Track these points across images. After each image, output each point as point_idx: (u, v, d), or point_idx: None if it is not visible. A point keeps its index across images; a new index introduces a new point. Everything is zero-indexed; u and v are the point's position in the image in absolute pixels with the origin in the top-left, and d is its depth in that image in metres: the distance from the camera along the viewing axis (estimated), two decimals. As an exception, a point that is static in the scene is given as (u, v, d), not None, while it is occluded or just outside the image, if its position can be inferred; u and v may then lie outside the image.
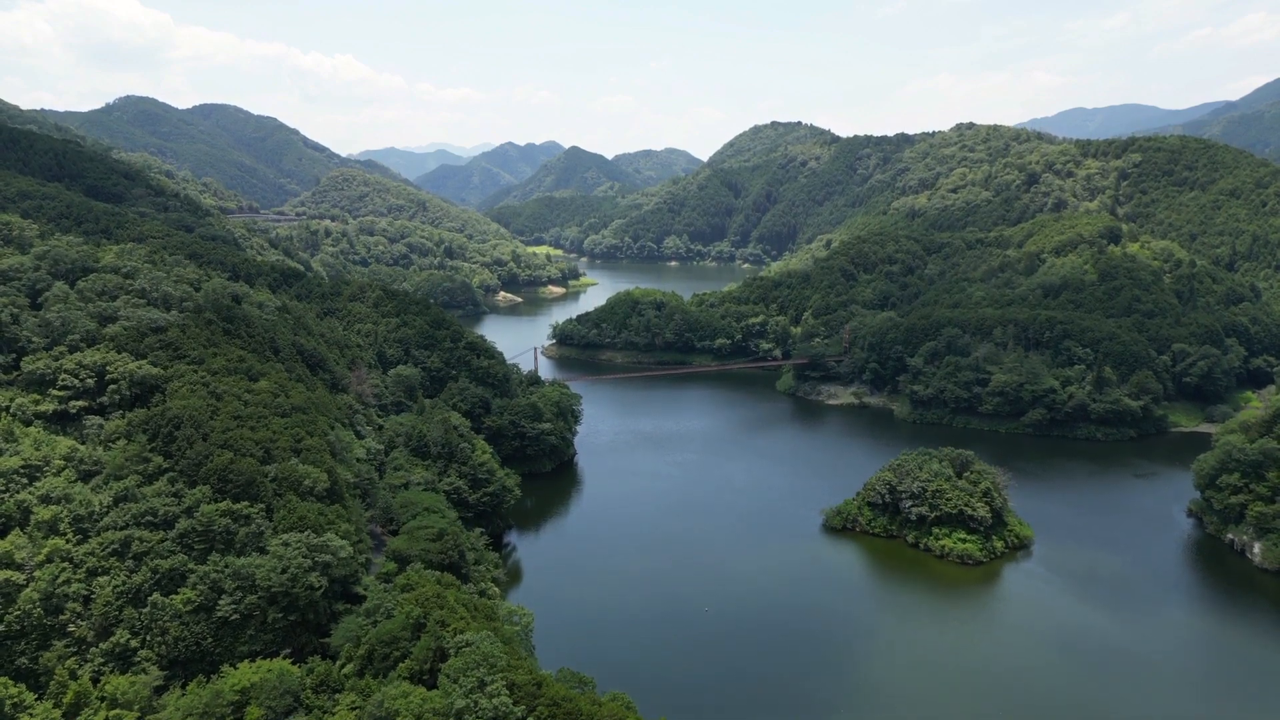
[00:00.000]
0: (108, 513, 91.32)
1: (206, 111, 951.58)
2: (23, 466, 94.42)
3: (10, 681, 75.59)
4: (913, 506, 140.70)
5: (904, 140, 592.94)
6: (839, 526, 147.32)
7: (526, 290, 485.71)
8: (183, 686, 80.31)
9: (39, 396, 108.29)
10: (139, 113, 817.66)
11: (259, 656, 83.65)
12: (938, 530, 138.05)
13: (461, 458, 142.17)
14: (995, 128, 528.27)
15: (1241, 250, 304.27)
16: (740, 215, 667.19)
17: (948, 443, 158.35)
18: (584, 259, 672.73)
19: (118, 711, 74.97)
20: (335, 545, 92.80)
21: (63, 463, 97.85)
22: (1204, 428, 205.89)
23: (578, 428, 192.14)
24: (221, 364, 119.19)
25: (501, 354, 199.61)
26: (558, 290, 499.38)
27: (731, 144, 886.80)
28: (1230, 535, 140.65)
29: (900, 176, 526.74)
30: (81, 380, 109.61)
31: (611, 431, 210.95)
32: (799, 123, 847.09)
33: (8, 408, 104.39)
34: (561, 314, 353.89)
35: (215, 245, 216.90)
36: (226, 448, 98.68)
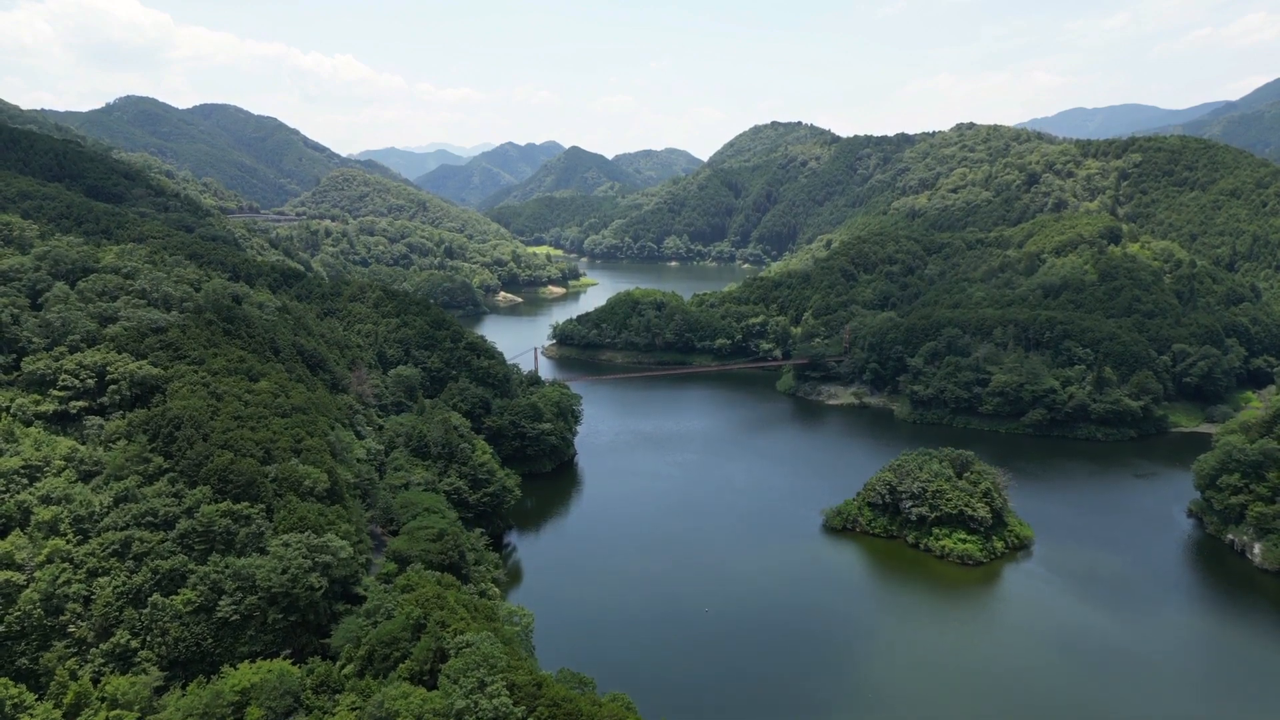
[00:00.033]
0: (108, 513, 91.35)
1: (207, 111, 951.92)
2: (23, 467, 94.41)
3: (10, 682, 75.58)
4: (913, 507, 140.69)
5: (904, 140, 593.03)
6: (839, 527, 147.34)
7: (527, 290, 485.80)
8: (183, 687, 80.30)
9: (39, 397, 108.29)
10: (139, 113, 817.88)
11: (259, 657, 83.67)
12: (938, 530, 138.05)
13: (462, 458, 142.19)
14: (995, 128, 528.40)
15: (1242, 250, 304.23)
16: (740, 215, 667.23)
17: (948, 443, 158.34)
18: (584, 259, 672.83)
19: (118, 712, 74.96)
20: (335, 546, 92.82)
21: (63, 463, 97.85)
22: (1204, 428, 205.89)
23: (578, 428, 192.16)
24: (222, 364, 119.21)
25: (502, 354, 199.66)
26: (558, 290, 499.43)
27: (732, 144, 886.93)
28: (1230, 535, 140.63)
29: (900, 176, 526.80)
30: (82, 381, 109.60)
31: (612, 432, 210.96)
32: (799, 123, 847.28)
33: (8, 408, 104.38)
34: (562, 314, 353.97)
35: (215, 245, 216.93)
36: (227, 448, 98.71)
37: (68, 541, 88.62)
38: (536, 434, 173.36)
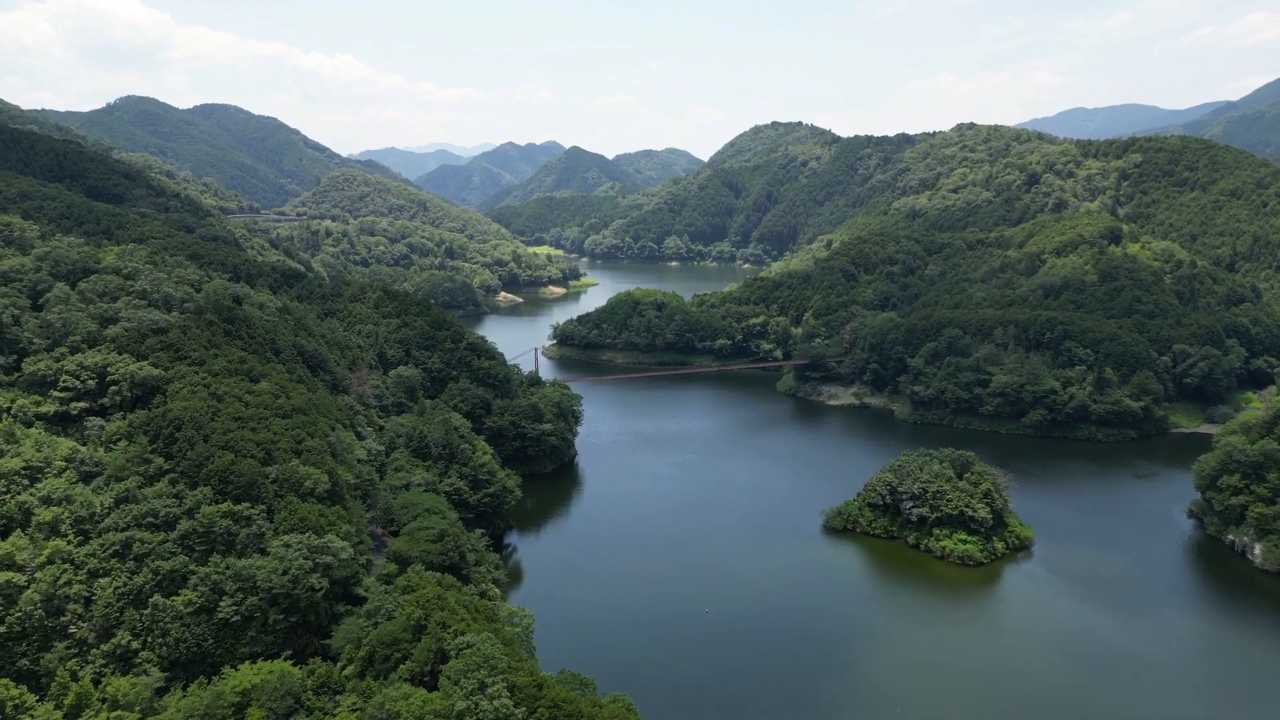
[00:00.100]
0: (109, 514, 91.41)
1: (207, 111, 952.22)
2: (24, 468, 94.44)
3: (11, 683, 75.62)
4: (913, 507, 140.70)
5: (904, 140, 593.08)
6: (840, 527, 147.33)
7: (527, 290, 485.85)
8: (184, 688, 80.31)
9: (40, 398, 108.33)
10: (140, 113, 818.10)
11: (260, 658, 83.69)
12: (938, 531, 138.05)
13: (462, 459, 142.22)
14: (996, 128, 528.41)
15: (1242, 251, 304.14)
16: (741, 215, 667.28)
17: (948, 443, 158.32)
18: (584, 259, 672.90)
19: (119, 713, 75.00)
20: (336, 546, 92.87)
21: (64, 464, 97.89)
22: (1205, 428, 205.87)
23: (578, 428, 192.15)
24: (222, 365, 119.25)
25: (502, 355, 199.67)
26: (558, 290, 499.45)
27: (732, 144, 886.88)
28: (1231, 536, 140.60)
29: (901, 177, 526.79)
30: (82, 381, 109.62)
31: (612, 432, 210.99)
32: (799, 123, 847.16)
33: (9, 409, 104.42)
34: (562, 314, 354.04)
35: (216, 246, 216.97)
36: (227, 449, 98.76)
37: (69, 542, 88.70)
38: (537, 434, 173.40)
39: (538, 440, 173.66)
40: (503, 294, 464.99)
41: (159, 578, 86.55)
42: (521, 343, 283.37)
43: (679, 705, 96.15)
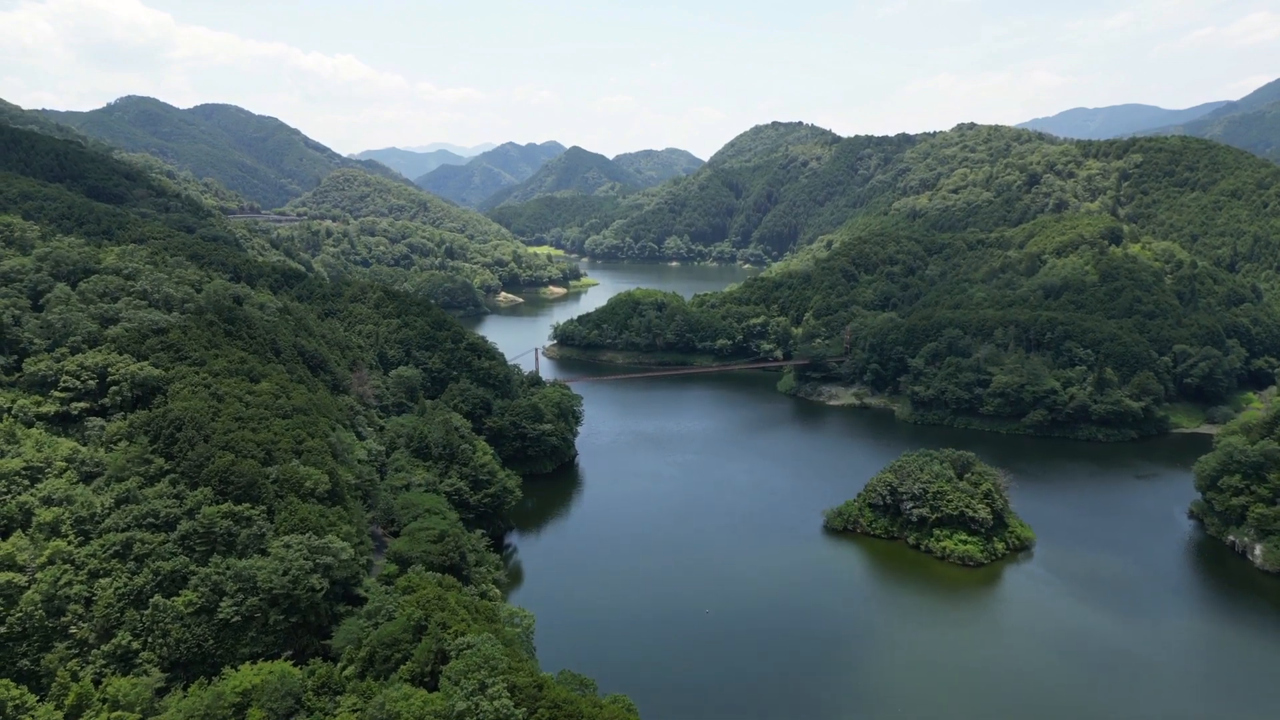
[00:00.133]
0: (109, 514, 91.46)
1: (208, 112, 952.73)
2: (25, 468, 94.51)
3: (12, 683, 75.66)
4: (914, 508, 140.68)
5: (905, 140, 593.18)
6: (840, 528, 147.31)
7: (527, 291, 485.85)
8: (184, 688, 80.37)
9: (41, 398, 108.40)
10: (140, 113, 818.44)
11: (260, 658, 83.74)
12: (939, 532, 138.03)
13: (462, 459, 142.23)
14: (996, 128, 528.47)
15: (1243, 251, 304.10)
16: (741, 215, 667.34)
17: (949, 444, 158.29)
18: (585, 259, 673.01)
19: (119, 713, 75.02)
20: (336, 547, 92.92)
21: (64, 464, 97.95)
22: (1205, 429, 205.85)
23: (579, 429, 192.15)
24: (223, 365, 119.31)
25: (502, 355, 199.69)
26: (559, 291, 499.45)
27: (732, 144, 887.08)
28: (1231, 537, 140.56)
29: (901, 177, 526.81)
30: (83, 382, 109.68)
31: (612, 432, 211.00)
32: (800, 123, 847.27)
33: (9, 409, 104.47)
34: (562, 314, 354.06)
35: (216, 246, 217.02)
36: (228, 449, 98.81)
37: (69, 543, 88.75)
38: (537, 435, 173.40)
39: (538, 440, 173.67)
40: (503, 294, 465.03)
41: (159, 578, 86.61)
42: (522, 343, 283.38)
43: (679, 705, 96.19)
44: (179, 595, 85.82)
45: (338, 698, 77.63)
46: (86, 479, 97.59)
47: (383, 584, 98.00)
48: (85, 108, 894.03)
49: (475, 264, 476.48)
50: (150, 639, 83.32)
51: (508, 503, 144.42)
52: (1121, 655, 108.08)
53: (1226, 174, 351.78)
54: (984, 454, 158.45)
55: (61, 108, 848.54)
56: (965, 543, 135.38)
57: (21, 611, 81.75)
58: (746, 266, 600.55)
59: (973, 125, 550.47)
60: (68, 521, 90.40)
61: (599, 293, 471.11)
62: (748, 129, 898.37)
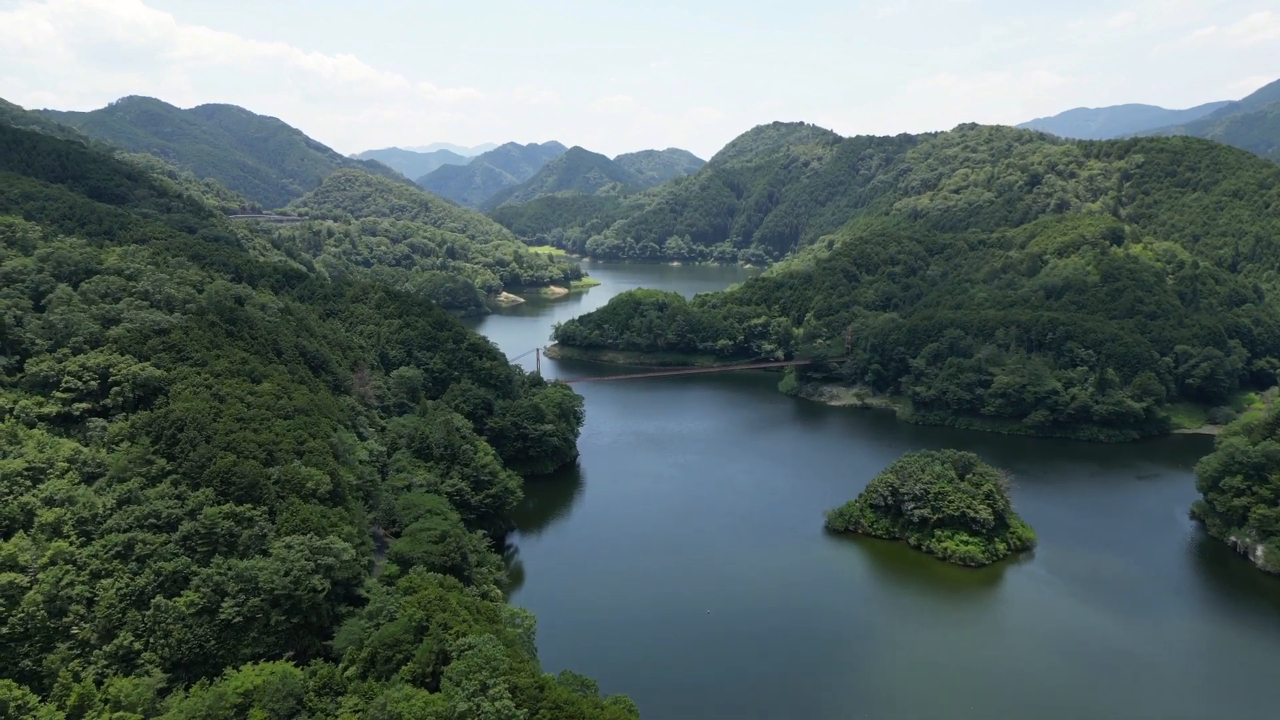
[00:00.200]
0: (111, 515, 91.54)
1: (209, 112, 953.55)
2: (26, 469, 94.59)
3: (14, 684, 75.76)
4: (915, 508, 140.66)
5: (906, 140, 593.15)
6: (841, 528, 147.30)
7: (529, 291, 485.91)
8: (186, 689, 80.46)
9: (43, 399, 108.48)
10: (142, 113, 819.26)
11: (262, 659, 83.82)
12: (940, 532, 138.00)
13: (464, 459, 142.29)
14: (998, 128, 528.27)
15: (1244, 251, 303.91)
16: (742, 215, 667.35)
17: (950, 444, 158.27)
18: (586, 259, 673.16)
19: (121, 714, 75.11)
20: (338, 548, 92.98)
21: (66, 465, 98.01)
22: (1207, 429, 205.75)
23: (580, 429, 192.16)
24: (224, 366, 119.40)
25: (504, 355, 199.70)
26: (560, 291, 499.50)
27: (734, 144, 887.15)
28: (1233, 538, 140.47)
29: (903, 177, 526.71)
30: (85, 382, 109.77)
31: (613, 433, 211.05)
32: (801, 123, 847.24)
33: (11, 410, 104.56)
34: (564, 315, 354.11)
35: (218, 246, 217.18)
36: (229, 450, 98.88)
37: (71, 543, 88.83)
38: (538, 435, 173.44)
39: (539, 441, 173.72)
40: (504, 294, 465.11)
41: (161, 579, 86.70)
42: (523, 343, 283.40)
43: (680, 705, 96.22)
44: (181, 596, 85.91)
45: (339, 698, 77.70)
46: (88, 479, 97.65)
47: (384, 585, 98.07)
48: (86, 108, 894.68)
49: (476, 264, 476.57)
50: (152, 639, 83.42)
51: (509, 503, 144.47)
52: (1123, 656, 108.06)
53: (1228, 174, 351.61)
54: (985, 454, 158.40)
55: (63, 108, 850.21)
56: (967, 543, 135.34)
57: (23, 612, 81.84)
58: (748, 266, 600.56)
59: (974, 125, 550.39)
60: (69, 522, 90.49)
61: (600, 293, 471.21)
62: (749, 129, 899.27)
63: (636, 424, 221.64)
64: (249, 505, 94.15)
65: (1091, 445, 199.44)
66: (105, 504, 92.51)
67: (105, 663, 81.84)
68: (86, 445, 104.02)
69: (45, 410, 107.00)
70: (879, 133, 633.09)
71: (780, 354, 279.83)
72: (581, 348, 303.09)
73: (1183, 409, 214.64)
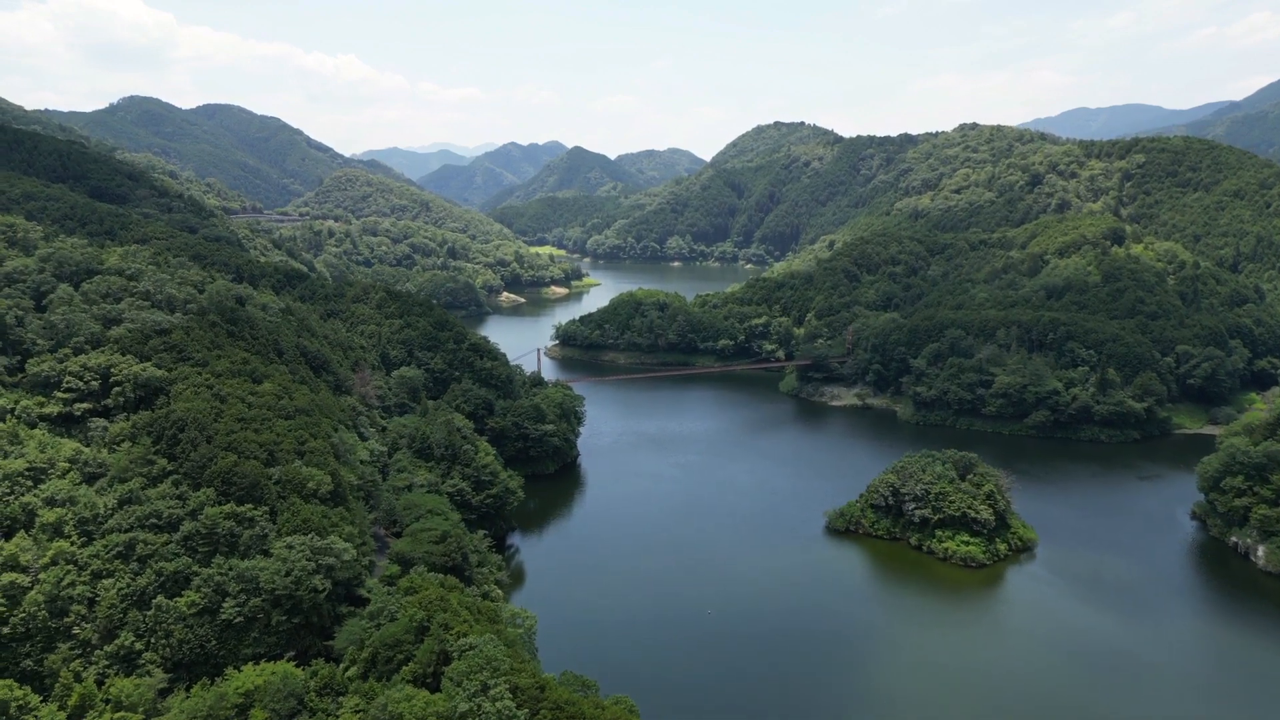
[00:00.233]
0: (112, 515, 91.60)
1: (210, 112, 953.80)
2: (28, 469, 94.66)
3: (15, 684, 75.78)
4: (916, 509, 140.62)
5: (907, 140, 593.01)
6: (842, 528, 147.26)
7: (529, 291, 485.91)
8: (187, 689, 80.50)
9: (44, 399, 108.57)
10: (143, 113, 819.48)
11: (263, 659, 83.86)
12: (941, 533, 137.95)
13: (465, 459, 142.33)
14: (999, 128, 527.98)
15: (1246, 251, 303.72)
16: (743, 215, 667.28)
17: (951, 444, 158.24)
18: (587, 259, 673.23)
19: (122, 714, 75.15)
20: (339, 548, 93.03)
21: (67, 465, 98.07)
22: (1208, 430, 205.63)
23: (581, 429, 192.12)
24: (225, 366, 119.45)
25: (504, 355, 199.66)
26: (561, 291, 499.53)
27: (734, 144, 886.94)
28: (1234, 538, 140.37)
29: (904, 177, 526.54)
30: (86, 383, 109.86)
31: (614, 433, 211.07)
32: (802, 123, 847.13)
33: (13, 410, 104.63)
34: (564, 315, 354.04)
35: (219, 246, 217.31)
36: (230, 450, 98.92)
37: (72, 543, 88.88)
38: (539, 435, 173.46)
39: (540, 441, 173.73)
40: (505, 294, 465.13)
41: (162, 579, 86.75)
42: (524, 343, 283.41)
43: (681, 706, 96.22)
44: (182, 596, 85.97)
45: (340, 699, 77.72)
46: (89, 480, 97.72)
47: (385, 585, 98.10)
48: (88, 108, 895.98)
49: (477, 264, 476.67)
50: (153, 640, 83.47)
51: (510, 503, 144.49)
52: (1124, 656, 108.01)
53: (1229, 174, 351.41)
54: (986, 455, 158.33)
55: (64, 108, 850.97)
56: (967, 544, 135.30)
57: (25, 612, 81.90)
58: (749, 266, 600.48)
59: (975, 125, 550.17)
60: (71, 522, 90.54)
61: (601, 293, 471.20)
62: (750, 129, 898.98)
63: (637, 424, 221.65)
64: (250, 505, 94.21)
65: (1092, 445, 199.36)
66: (106, 504, 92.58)
67: (106, 663, 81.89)
68: (88, 445, 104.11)
69: (46, 410, 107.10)
70: (880, 133, 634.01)
71: (781, 354, 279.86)
72: (582, 348, 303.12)
73: (1184, 409, 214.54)
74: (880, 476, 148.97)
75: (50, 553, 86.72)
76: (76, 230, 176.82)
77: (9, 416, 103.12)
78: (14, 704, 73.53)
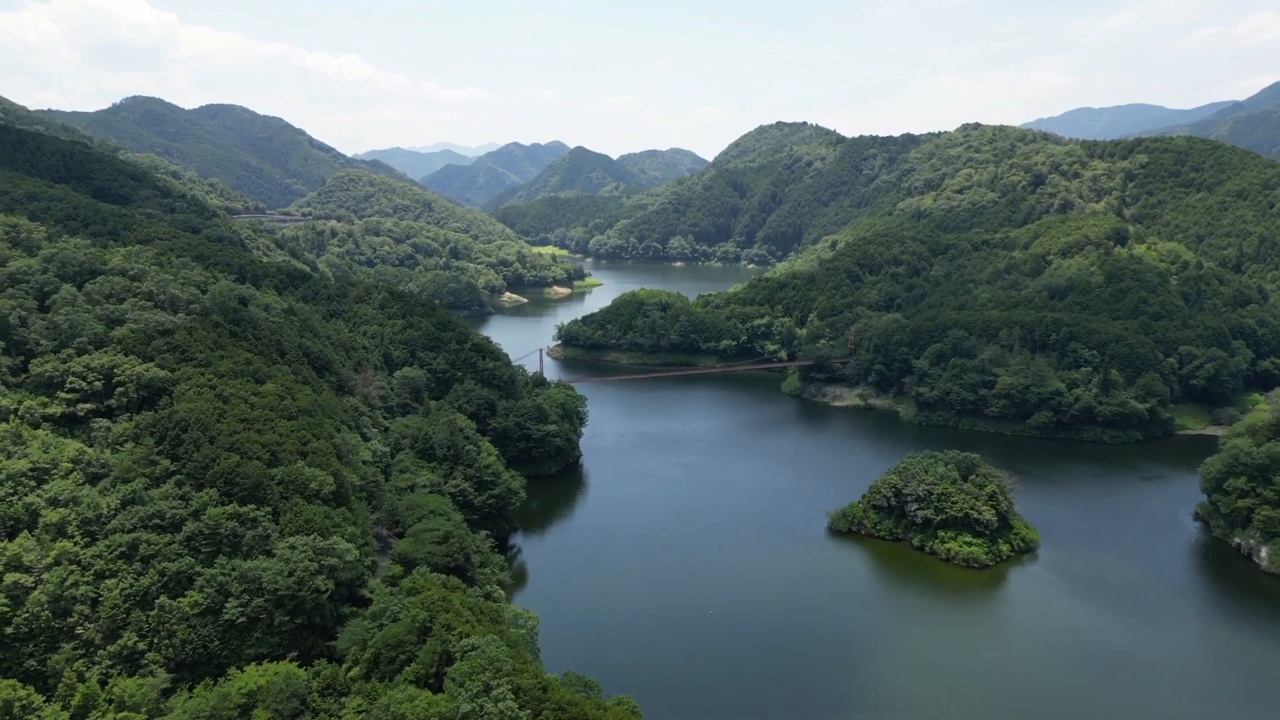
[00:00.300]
0: (115, 515, 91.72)
1: (213, 112, 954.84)
2: (31, 469, 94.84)
3: (19, 684, 75.97)
4: (918, 509, 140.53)
5: (909, 141, 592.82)
6: (844, 529, 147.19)
7: (532, 291, 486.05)
8: (190, 689, 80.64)
9: (47, 399, 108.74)
10: (145, 113, 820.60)
11: (265, 659, 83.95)
12: (943, 533, 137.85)
13: (467, 460, 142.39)
14: (1001, 128, 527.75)
15: (1249, 252, 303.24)
16: (746, 216, 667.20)
17: (953, 445, 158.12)
18: (589, 259, 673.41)
19: (125, 714, 75.31)
20: (341, 548, 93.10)
21: (70, 465, 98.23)
22: (1211, 430, 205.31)
23: (583, 429, 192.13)
24: (228, 367, 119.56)
25: (507, 355, 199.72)
26: (563, 291, 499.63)
27: (737, 144, 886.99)
28: (1237, 539, 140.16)
29: (906, 177, 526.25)
30: (89, 383, 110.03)
31: (616, 433, 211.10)
32: (804, 123, 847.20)
33: (16, 410, 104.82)
34: (567, 315, 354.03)
35: (222, 246, 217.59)
36: (233, 450, 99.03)
37: (75, 543, 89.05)
38: (541, 435, 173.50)
39: (542, 441, 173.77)
40: (507, 294, 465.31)
41: (165, 579, 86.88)
42: (526, 343, 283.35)
43: (683, 706, 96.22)
44: (185, 596, 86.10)
45: (343, 699, 77.81)
46: (92, 480, 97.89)
47: (388, 585, 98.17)
48: (91, 108, 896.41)
49: (480, 264, 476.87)
50: (156, 640, 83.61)
51: (512, 504, 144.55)
52: (1126, 657, 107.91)
53: (1232, 174, 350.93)
54: (989, 455, 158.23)
55: (67, 108, 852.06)
56: (970, 544, 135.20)
57: (28, 612, 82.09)
58: (751, 267, 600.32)
59: (977, 125, 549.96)
60: (74, 522, 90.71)
61: (603, 293, 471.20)
62: (752, 129, 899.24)
63: (639, 424, 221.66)
64: (253, 506, 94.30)
65: (1095, 446, 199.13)
66: (109, 504, 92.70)
67: (109, 663, 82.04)
68: (91, 446, 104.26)
69: (50, 411, 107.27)
70: (882, 133, 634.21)
71: (783, 354, 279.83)
72: (585, 348, 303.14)
73: (1187, 410, 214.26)
74: (883, 477, 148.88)
75: (53, 553, 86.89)
76: (80, 231, 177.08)
77: (12, 417, 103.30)
78: (18, 704, 73.69)
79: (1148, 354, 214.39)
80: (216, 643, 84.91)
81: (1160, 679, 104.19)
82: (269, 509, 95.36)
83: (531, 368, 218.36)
